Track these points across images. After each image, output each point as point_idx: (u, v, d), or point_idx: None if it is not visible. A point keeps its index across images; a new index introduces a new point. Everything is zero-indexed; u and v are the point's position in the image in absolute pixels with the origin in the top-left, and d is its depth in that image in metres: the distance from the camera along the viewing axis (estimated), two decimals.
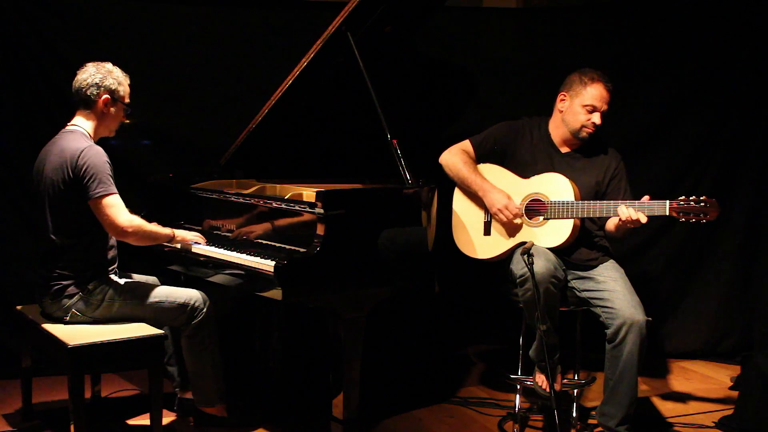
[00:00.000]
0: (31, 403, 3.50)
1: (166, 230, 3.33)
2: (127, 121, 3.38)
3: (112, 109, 3.26)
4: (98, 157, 3.11)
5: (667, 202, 3.11)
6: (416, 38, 3.85)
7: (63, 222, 3.17)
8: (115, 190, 3.13)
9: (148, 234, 3.25)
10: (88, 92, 3.21)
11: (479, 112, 4.25)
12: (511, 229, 3.40)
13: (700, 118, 4.50)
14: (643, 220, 3.14)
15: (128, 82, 3.32)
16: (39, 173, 3.22)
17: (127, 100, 3.30)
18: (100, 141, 3.31)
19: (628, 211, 3.15)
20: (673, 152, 4.53)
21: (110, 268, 3.29)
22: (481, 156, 3.53)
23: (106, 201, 3.10)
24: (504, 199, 3.36)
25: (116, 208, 3.12)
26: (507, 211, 3.35)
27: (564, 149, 3.49)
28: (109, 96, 3.23)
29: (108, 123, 3.29)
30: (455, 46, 4.60)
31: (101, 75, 3.22)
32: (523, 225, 3.38)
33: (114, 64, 3.32)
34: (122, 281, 3.29)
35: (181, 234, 3.38)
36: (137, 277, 3.42)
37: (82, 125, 3.25)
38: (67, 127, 3.26)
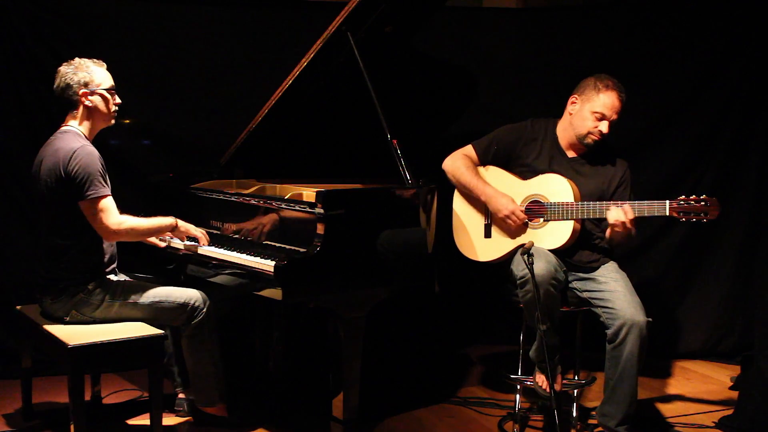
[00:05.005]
0: (31, 403, 3.51)
1: (168, 220, 3.32)
2: (119, 103, 3.29)
3: (95, 99, 3.22)
4: (90, 158, 3.10)
5: (667, 202, 3.10)
6: (416, 38, 3.85)
7: (60, 222, 3.17)
8: (107, 192, 3.12)
9: (143, 231, 3.25)
10: (66, 95, 3.21)
11: (479, 112, 4.25)
12: (512, 231, 3.39)
13: (700, 118, 4.49)
14: (629, 225, 3.12)
15: (102, 67, 3.27)
16: (36, 174, 3.22)
17: (105, 85, 3.24)
18: (100, 136, 3.32)
19: (616, 214, 3.14)
20: (673, 153, 4.53)
21: (109, 269, 3.29)
22: (484, 160, 3.50)
23: (96, 204, 3.09)
24: (510, 204, 3.34)
25: (105, 212, 3.10)
26: (514, 216, 3.33)
27: (570, 153, 3.46)
28: (86, 89, 3.21)
29: (100, 115, 3.26)
30: (455, 46, 4.60)
31: (70, 73, 3.20)
32: (524, 227, 3.38)
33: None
34: (122, 281, 3.29)
35: (185, 224, 3.37)
36: (137, 277, 3.41)
37: (74, 126, 3.25)
38: (62, 128, 3.25)
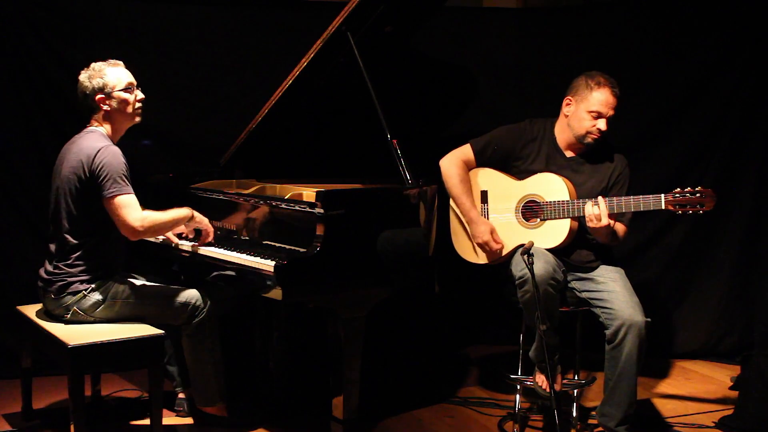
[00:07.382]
0: (31, 403, 3.51)
1: (184, 211, 3.32)
2: (141, 98, 3.32)
3: (112, 103, 3.26)
4: (114, 157, 3.14)
5: (663, 195, 3.09)
6: (416, 38, 3.85)
7: (76, 220, 3.18)
8: (129, 191, 3.14)
9: (164, 225, 3.25)
10: (86, 103, 3.27)
11: (479, 111, 4.25)
12: (510, 232, 3.39)
13: (700, 118, 4.49)
14: (604, 221, 3.13)
15: (117, 66, 3.30)
16: (57, 171, 3.26)
17: (121, 86, 3.26)
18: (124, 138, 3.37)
19: (591, 209, 3.15)
20: (672, 153, 4.53)
21: (114, 269, 3.30)
22: (482, 161, 3.49)
23: (119, 201, 3.11)
24: (486, 234, 3.37)
25: (128, 209, 3.12)
26: (488, 246, 3.37)
27: (569, 153, 3.44)
28: (102, 95, 3.24)
29: (121, 116, 3.30)
30: (455, 46, 4.60)
31: (86, 81, 3.25)
32: (521, 227, 3.38)
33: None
34: (123, 281, 3.29)
35: (199, 215, 3.38)
36: (138, 277, 3.41)
37: (98, 127, 3.29)
38: (88, 128, 3.29)
